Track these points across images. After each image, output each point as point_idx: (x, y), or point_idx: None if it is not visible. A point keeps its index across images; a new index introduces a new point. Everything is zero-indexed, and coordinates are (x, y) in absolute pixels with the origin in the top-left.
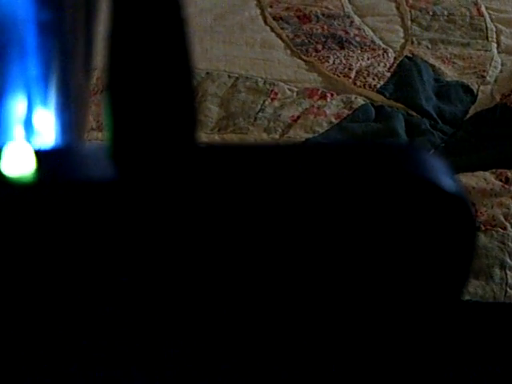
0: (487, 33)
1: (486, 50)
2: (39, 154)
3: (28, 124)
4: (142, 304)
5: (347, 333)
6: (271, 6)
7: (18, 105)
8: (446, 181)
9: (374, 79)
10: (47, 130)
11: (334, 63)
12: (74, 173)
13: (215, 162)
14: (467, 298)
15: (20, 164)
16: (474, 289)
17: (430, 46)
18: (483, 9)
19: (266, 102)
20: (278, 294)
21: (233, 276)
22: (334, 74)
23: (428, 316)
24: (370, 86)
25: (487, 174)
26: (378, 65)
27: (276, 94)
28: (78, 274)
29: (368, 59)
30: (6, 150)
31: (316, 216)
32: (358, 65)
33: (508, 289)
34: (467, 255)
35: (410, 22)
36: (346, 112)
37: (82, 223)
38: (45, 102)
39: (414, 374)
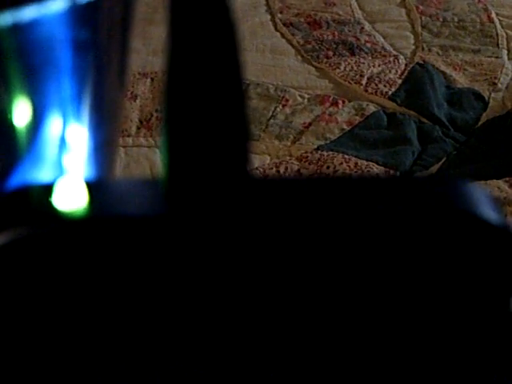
0: (498, 39)
1: (497, 57)
2: (90, 187)
3: (63, 142)
4: (191, 339)
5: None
6: (281, 12)
7: (54, 123)
8: (492, 214)
9: (385, 86)
10: (81, 146)
11: (345, 70)
12: (125, 207)
13: (269, 195)
14: None
15: (72, 198)
16: None
17: (440, 53)
18: (493, 15)
19: (278, 109)
20: (338, 326)
21: (289, 311)
22: (346, 80)
23: (474, 339)
24: (381, 93)
25: (500, 182)
26: (390, 71)
27: (287, 100)
28: (129, 306)
29: (379, 66)
30: (57, 184)
31: (370, 250)
32: (370, 71)
33: None
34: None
35: (420, 29)
36: (358, 119)
37: (133, 257)
38: (79, 120)
39: None
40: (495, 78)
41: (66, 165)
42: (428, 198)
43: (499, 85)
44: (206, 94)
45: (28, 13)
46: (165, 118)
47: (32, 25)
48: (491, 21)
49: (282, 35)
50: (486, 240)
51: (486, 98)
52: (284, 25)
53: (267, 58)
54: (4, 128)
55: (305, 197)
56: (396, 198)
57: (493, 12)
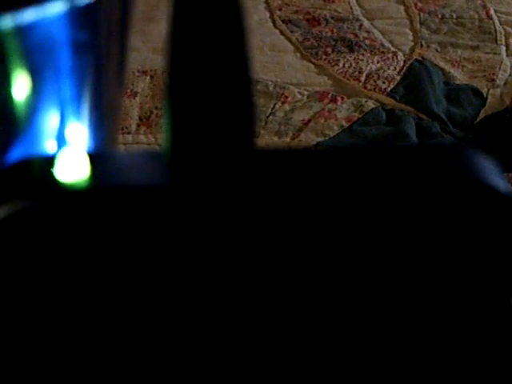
0: (496, 36)
1: (495, 53)
2: (92, 158)
3: (62, 139)
4: (194, 309)
5: (398, 332)
6: (280, 9)
7: (54, 120)
8: (501, 183)
9: (384, 82)
10: (81, 144)
11: (343, 66)
12: (128, 178)
13: (272, 166)
14: None
15: (74, 169)
16: None
17: (439, 49)
18: (492, 12)
19: (277, 106)
20: (340, 293)
21: (291, 281)
22: (344, 77)
23: (479, 317)
24: (380, 90)
25: None
26: (388, 68)
27: (286, 97)
28: (133, 278)
29: (378, 62)
30: (59, 157)
31: (377, 218)
32: (368, 68)
33: None
34: None
35: (418, 25)
36: (357, 115)
37: (136, 228)
38: (79, 118)
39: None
40: (493, 74)
41: (65, 140)
42: (439, 168)
43: (497, 81)
44: (211, 68)
45: (28, 15)
46: (169, 90)
47: (32, 26)
48: (490, 17)
49: (281, 32)
50: (494, 207)
51: (485, 95)
52: (283, 22)
53: (266, 55)
54: (6, 119)
55: (305, 165)
56: (407, 166)
57: (491, 8)
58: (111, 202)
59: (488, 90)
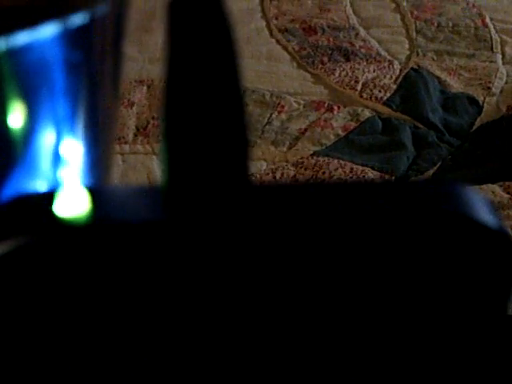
0: (492, 44)
1: (491, 61)
2: (91, 194)
3: (58, 157)
4: (189, 343)
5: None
6: (276, 18)
7: (50, 141)
8: (489, 217)
9: (380, 91)
10: (77, 161)
11: (340, 75)
12: (126, 213)
13: (267, 201)
14: None
15: (73, 205)
16: None
17: (435, 58)
18: (488, 20)
19: (273, 115)
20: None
21: (288, 313)
22: (341, 86)
23: (471, 336)
24: (376, 99)
25: (495, 186)
26: (384, 77)
27: (283, 106)
28: (130, 310)
29: (374, 71)
30: (59, 192)
31: (368, 253)
32: (364, 77)
33: None
34: (507, 280)
35: (415, 34)
36: (353, 124)
37: (134, 262)
38: (75, 135)
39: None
40: (489, 82)
41: (63, 177)
42: (424, 202)
43: (493, 89)
44: (204, 102)
45: (22, 37)
46: (163, 126)
47: (26, 48)
48: (485, 25)
49: (278, 41)
50: (483, 243)
51: (481, 103)
52: (279, 31)
53: (263, 64)
54: (2, 141)
55: (301, 202)
56: (392, 201)
57: (487, 17)
58: (109, 237)
59: (484, 98)
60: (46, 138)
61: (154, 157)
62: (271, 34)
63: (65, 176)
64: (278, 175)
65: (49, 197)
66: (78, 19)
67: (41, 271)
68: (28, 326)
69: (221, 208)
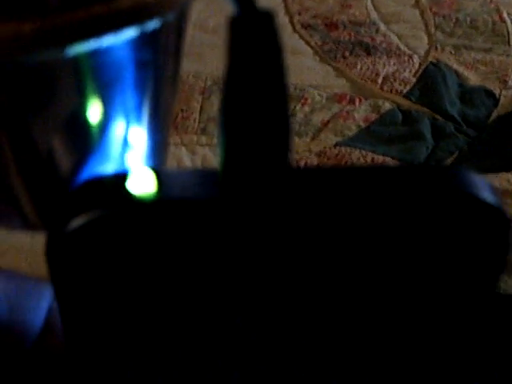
0: (509, 38)
1: (508, 55)
2: (157, 175)
3: (126, 143)
4: (240, 318)
5: (394, 323)
6: (299, 14)
7: (120, 129)
8: (490, 196)
9: (400, 84)
10: (142, 146)
11: (361, 69)
12: (186, 192)
13: (306, 184)
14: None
15: (143, 184)
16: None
17: (453, 52)
18: (505, 15)
19: (297, 108)
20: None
21: (326, 291)
22: (362, 79)
23: (465, 309)
24: (396, 91)
25: (510, 175)
26: (404, 71)
27: (306, 99)
28: (190, 283)
29: (394, 65)
30: (132, 172)
31: (389, 229)
32: (385, 71)
33: None
34: (503, 255)
35: (433, 29)
36: (374, 116)
37: (192, 234)
38: (141, 125)
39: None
40: (506, 75)
41: (130, 160)
42: (431, 183)
43: (510, 82)
44: (256, 102)
45: (105, 41)
46: (222, 122)
47: (107, 49)
48: (503, 20)
49: (301, 37)
50: (482, 218)
51: (497, 96)
52: (302, 26)
53: (287, 58)
54: (80, 131)
55: (328, 185)
56: (402, 184)
57: (504, 12)
58: (172, 212)
59: (500, 91)
60: (118, 126)
61: (182, 148)
62: (294, 30)
63: (131, 159)
64: (301, 165)
65: (121, 177)
66: (151, 25)
67: (114, 240)
68: (100, 285)
69: (265, 189)
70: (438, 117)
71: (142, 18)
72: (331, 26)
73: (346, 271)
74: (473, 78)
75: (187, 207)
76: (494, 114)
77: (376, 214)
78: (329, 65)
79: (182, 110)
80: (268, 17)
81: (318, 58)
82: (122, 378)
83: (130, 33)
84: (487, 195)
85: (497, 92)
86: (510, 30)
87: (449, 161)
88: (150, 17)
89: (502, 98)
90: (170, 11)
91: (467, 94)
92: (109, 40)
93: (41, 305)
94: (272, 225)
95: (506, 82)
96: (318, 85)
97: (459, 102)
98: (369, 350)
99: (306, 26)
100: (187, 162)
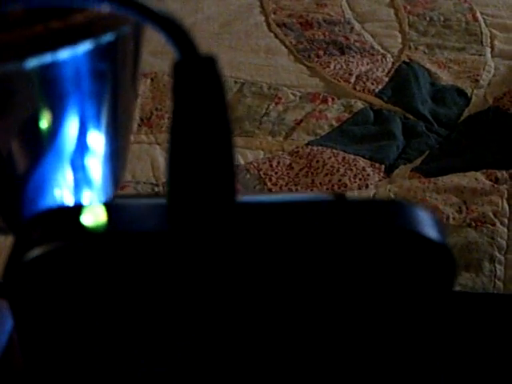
0: (482, 38)
1: (480, 55)
2: (107, 207)
3: (86, 148)
4: (192, 344)
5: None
6: (275, 13)
7: (78, 136)
8: (433, 232)
9: (372, 84)
10: (101, 151)
11: (334, 68)
12: (135, 224)
13: (249, 217)
14: (458, 288)
15: (96, 216)
16: (465, 281)
17: (426, 51)
18: (478, 14)
19: (271, 107)
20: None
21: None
22: (335, 78)
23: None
24: (369, 91)
25: (478, 173)
26: (377, 70)
27: (280, 98)
28: (137, 307)
29: (367, 64)
30: (85, 206)
31: (328, 264)
32: (358, 70)
33: (497, 280)
34: (449, 288)
35: (407, 28)
36: (346, 115)
37: (142, 265)
38: (99, 131)
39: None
40: (478, 75)
41: (88, 167)
42: (373, 218)
43: (481, 81)
44: (201, 143)
45: (61, 53)
46: (168, 162)
47: (64, 62)
48: (476, 20)
49: (276, 36)
50: (426, 256)
51: (469, 95)
52: (277, 25)
53: (261, 57)
54: (38, 139)
55: (272, 221)
56: (342, 219)
57: (477, 11)
58: (122, 244)
59: (472, 90)
60: (77, 133)
61: (157, 146)
62: (269, 29)
63: (91, 164)
64: (274, 164)
65: (76, 209)
66: (106, 38)
67: (68, 272)
68: (56, 312)
69: (212, 223)
70: (409, 116)
71: (96, 31)
72: (306, 25)
73: (290, 306)
74: (445, 77)
75: (136, 240)
76: (466, 113)
77: (316, 251)
78: (303, 64)
79: (156, 109)
80: (210, 61)
81: (292, 58)
82: None
83: (85, 46)
84: (431, 232)
85: (469, 91)
86: (483, 29)
87: (419, 160)
88: (105, 30)
89: (473, 97)
90: (125, 25)
91: (439, 93)
92: (65, 53)
93: (4, 321)
94: (218, 258)
95: (477, 81)
96: (291, 84)
97: (431, 101)
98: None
99: (281, 25)
100: (161, 161)
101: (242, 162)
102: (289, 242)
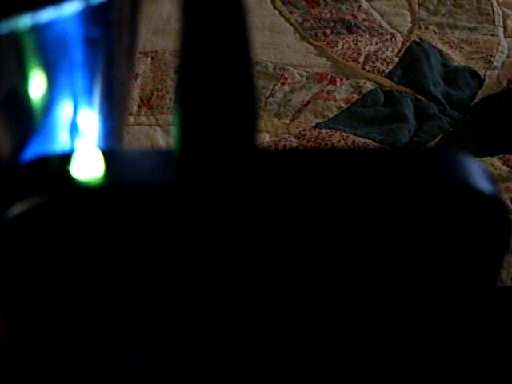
0: (494, 17)
1: (493, 35)
2: (105, 156)
3: (75, 127)
4: (198, 305)
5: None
6: None
7: (68, 112)
8: (485, 184)
9: (382, 64)
10: (93, 132)
11: (342, 48)
12: (139, 176)
13: (272, 166)
14: None
15: (89, 167)
16: None
17: (437, 31)
18: None
19: (276, 87)
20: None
21: (288, 276)
22: (343, 58)
23: (464, 303)
24: (378, 71)
25: (494, 159)
26: (387, 49)
27: (286, 78)
28: (141, 270)
29: (376, 44)
30: (74, 154)
31: (371, 218)
32: (367, 49)
33: None
34: (503, 248)
35: (417, 7)
36: (356, 97)
37: (146, 224)
38: (92, 107)
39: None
40: (491, 55)
41: (79, 145)
42: (423, 169)
43: (495, 63)
44: (216, 73)
45: (45, 15)
46: (178, 94)
47: (49, 25)
48: None
49: (281, 13)
50: (478, 209)
51: (482, 76)
52: (282, 3)
53: (266, 36)
54: (23, 116)
55: (304, 168)
56: (393, 168)
57: None
58: (123, 199)
59: (485, 71)
60: (65, 108)
61: (157, 128)
62: (274, 6)
63: (81, 144)
64: (280, 147)
65: (65, 159)
66: None
67: (54, 231)
68: (38, 286)
69: (228, 173)
70: (420, 98)
71: None
72: (312, 2)
73: (325, 264)
74: (457, 58)
75: (139, 195)
76: (479, 96)
77: (354, 203)
78: (309, 43)
79: (157, 89)
80: None
81: (298, 36)
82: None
83: (73, 7)
84: (483, 184)
85: (481, 72)
86: (495, 8)
87: (432, 143)
88: None
89: (486, 79)
90: None
91: (451, 74)
92: (50, 14)
93: None
94: (238, 214)
95: (490, 62)
96: (298, 64)
97: (443, 83)
98: (369, 345)
99: (287, 3)
100: (162, 143)
101: None
102: (320, 197)
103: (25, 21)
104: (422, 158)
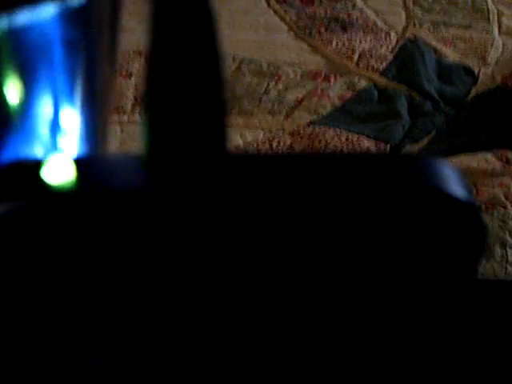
0: (488, 15)
1: (487, 32)
2: (77, 162)
3: (57, 127)
4: (163, 312)
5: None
6: None
7: (48, 111)
8: (459, 190)
9: (376, 61)
10: (75, 130)
11: (337, 46)
12: (110, 181)
13: (242, 171)
14: None
15: (61, 173)
16: None
17: (431, 29)
18: None
19: (271, 85)
20: (291, 293)
21: (254, 276)
22: (337, 56)
23: (440, 302)
24: (372, 69)
25: (488, 154)
26: (381, 47)
27: (280, 76)
28: (115, 274)
29: (371, 41)
30: (48, 160)
31: (334, 223)
32: (361, 47)
33: (508, 266)
34: (478, 250)
35: (411, 4)
36: (350, 94)
37: (115, 229)
38: (73, 107)
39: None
40: (485, 52)
41: (60, 144)
42: (399, 175)
43: (489, 60)
44: (184, 77)
45: (23, 17)
46: (146, 100)
47: (27, 27)
48: None
49: (275, 12)
50: (453, 214)
51: (476, 73)
52: (277, 2)
53: (260, 34)
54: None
55: (274, 172)
56: (369, 174)
57: None
58: (94, 204)
59: (479, 68)
60: (45, 108)
61: None
62: (269, 5)
63: (62, 144)
64: (274, 144)
65: (39, 164)
66: (75, 1)
67: (27, 236)
68: (12, 291)
69: (197, 177)
70: (415, 94)
71: None
72: (307, 1)
73: (291, 268)
74: (451, 55)
75: (109, 200)
76: (473, 92)
77: (323, 210)
78: (304, 41)
79: None
80: None
81: (292, 34)
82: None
83: (50, 9)
84: (457, 189)
85: (476, 69)
86: (489, 6)
87: (426, 140)
88: None
89: (480, 76)
90: None
91: (445, 71)
92: (28, 16)
93: None
94: (208, 221)
95: (485, 59)
96: (292, 62)
97: (437, 80)
98: (356, 340)
99: (281, 2)
100: None
101: (240, 142)
102: (292, 203)
103: (1, 22)
104: (398, 164)
